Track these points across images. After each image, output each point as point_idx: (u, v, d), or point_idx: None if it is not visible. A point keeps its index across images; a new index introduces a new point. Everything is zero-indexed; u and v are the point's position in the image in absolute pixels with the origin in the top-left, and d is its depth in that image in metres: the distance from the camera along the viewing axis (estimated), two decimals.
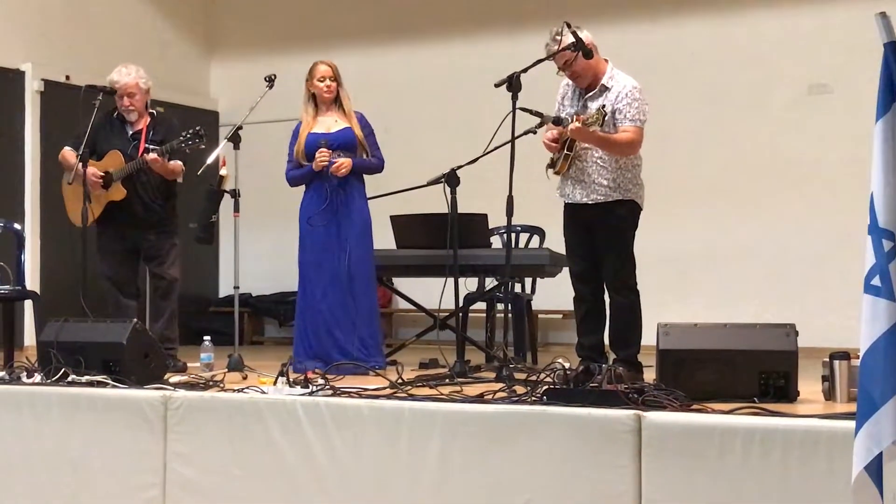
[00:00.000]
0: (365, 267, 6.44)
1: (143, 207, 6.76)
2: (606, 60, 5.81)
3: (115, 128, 6.83)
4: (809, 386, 4.73)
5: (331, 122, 6.46)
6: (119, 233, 6.77)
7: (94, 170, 6.66)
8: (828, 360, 4.65)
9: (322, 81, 6.43)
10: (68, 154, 6.84)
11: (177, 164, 6.72)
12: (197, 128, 6.70)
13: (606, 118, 5.57)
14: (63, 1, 9.51)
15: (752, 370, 4.56)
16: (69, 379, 5.27)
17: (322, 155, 6.30)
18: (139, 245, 6.82)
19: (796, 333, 4.62)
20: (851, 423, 3.51)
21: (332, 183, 6.36)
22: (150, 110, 6.92)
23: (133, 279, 6.91)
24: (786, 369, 4.57)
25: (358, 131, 6.43)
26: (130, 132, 6.82)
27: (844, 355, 4.61)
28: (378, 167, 6.52)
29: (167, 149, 6.57)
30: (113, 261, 6.80)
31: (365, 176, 6.54)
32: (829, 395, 4.63)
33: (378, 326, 6.51)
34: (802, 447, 3.81)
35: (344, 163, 6.32)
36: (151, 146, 6.64)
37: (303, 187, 6.54)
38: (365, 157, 6.45)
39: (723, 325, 4.78)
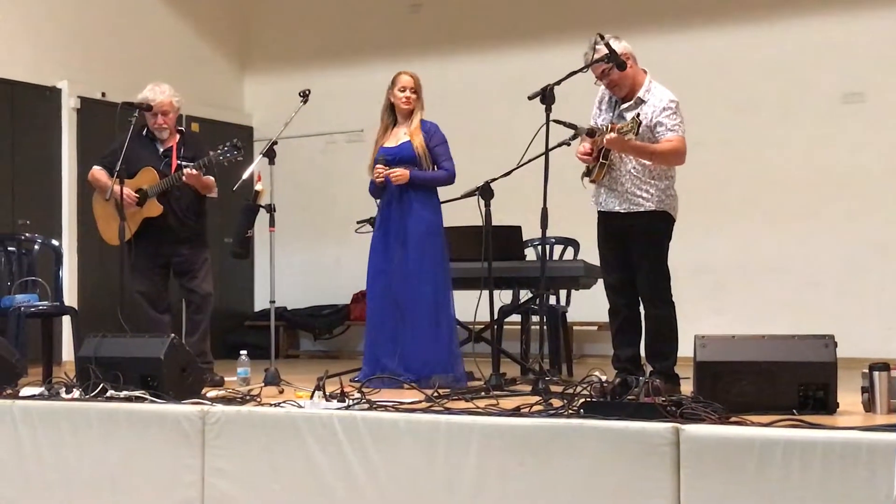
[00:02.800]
0: (422, 278, 6.31)
1: (178, 222, 6.82)
2: (645, 72, 5.80)
3: (146, 145, 6.88)
4: (848, 397, 4.68)
5: (400, 135, 6.42)
6: (152, 249, 6.82)
7: (127, 189, 6.71)
8: (867, 370, 4.61)
9: (403, 91, 6.38)
10: (98, 173, 6.90)
11: (209, 178, 6.77)
12: (234, 140, 6.75)
13: (642, 127, 5.56)
14: (98, 19, 9.60)
15: (790, 382, 4.52)
16: (107, 394, 5.29)
17: (376, 171, 6.29)
18: (171, 260, 6.87)
19: (835, 344, 4.58)
20: (892, 435, 3.49)
21: (392, 194, 6.34)
22: (179, 128, 6.97)
23: (165, 294, 6.95)
24: (825, 381, 4.53)
25: (418, 144, 6.34)
26: (161, 149, 6.87)
27: (884, 366, 4.57)
28: (445, 178, 6.38)
29: (205, 162, 6.62)
30: (145, 277, 6.84)
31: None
32: (869, 406, 4.60)
33: (454, 338, 6.33)
34: (843, 459, 3.78)
35: (397, 171, 6.26)
36: (184, 162, 6.69)
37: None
38: (428, 169, 6.35)
39: (760, 337, 4.74)
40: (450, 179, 6.40)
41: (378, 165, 6.31)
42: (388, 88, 6.46)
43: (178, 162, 6.74)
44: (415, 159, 6.35)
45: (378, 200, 6.49)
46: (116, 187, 6.53)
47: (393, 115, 6.47)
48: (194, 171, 6.60)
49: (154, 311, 6.84)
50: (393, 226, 6.37)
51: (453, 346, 6.35)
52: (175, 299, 7.15)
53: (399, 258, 6.34)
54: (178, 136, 6.91)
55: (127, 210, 6.67)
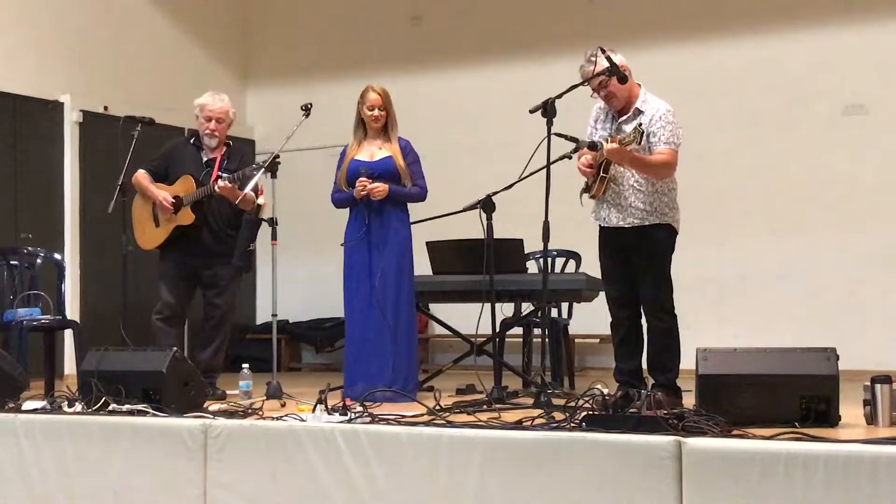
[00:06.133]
0: (400, 293, 6.44)
1: (213, 236, 6.77)
2: (639, 84, 5.82)
3: (190, 153, 6.87)
4: (850, 410, 4.68)
5: (374, 150, 6.49)
6: (182, 259, 6.79)
7: (165, 194, 6.74)
8: (869, 383, 4.60)
9: (371, 110, 6.43)
10: (141, 177, 6.86)
11: (251, 194, 6.63)
12: (270, 157, 6.76)
13: (642, 139, 5.56)
14: (100, 33, 9.63)
15: (792, 394, 4.52)
16: (110, 408, 5.30)
17: (360, 184, 6.34)
18: (201, 273, 6.81)
19: (837, 357, 4.58)
20: (895, 448, 3.48)
21: (370, 208, 6.39)
22: (227, 140, 6.95)
23: (187, 307, 6.92)
24: (827, 393, 4.52)
25: (399, 161, 6.43)
26: (205, 159, 6.86)
27: (886, 379, 4.57)
28: (419, 196, 6.52)
29: (239, 176, 6.59)
30: (173, 287, 6.80)
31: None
32: (871, 419, 4.59)
33: (413, 353, 6.49)
34: (845, 472, 3.77)
35: (379, 186, 6.34)
36: (224, 174, 6.67)
37: (344, 211, 6.58)
38: (407, 185, 6.45)
39: (762, 350, 4.74)
40: (423, 197, 6.53)
41: (361, 179, 6.33)
42: (358, 103, 6.50)
43: (219, 173, 6.72)
44: (395, 175, 6.42)
45: (349, 210, 6.52)
46: (156, 191, 6.64)
47: (363, 128, 6.51)
48: (228, 184, 6.57)
49: (169, 324, 6.76)
50: (374, 238, 6.42)
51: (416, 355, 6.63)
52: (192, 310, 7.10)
53: (382, 271, 6.39)
54: (224, 148, 6.89)
55: (162, 215, 6.72)
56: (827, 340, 4.93)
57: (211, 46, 10.67)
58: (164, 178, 6.86)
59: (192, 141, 6.92)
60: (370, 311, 6.40)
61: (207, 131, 6.80)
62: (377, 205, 6.40)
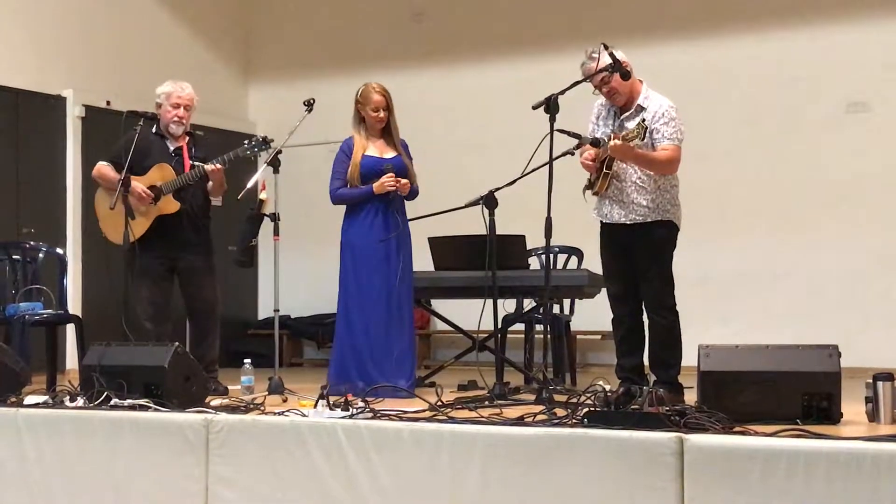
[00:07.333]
0: (410, 290, 6.53)
1: (191, 224, 6.74)
2: (641, 81, 5.82)
3: (156, 144, 6.80)
4: (852, 407, 4.69)
5: (382, 147, 6.53)
6: (160, 252, 6.71)
7: (142, 186, 6.66)
8: (871, 380, 4.61)
9: (376, 112, 6.45)
10: (105, 168, 6.77)
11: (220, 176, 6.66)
12: (262, 136, 6.72)
13: (645, 134, 5.56)
14: (103, 27, 9.63)
15: (794, 392, 4.53)
16: (111, 403, 5.30)
17: (391, 180, 6.36)
18: (177, 265, 6.77)
19: (839, 354, 4.58)
20: None
21: (392, 206, 6.44)
22: (189, 130, 6.93)
23: (170, 301, 6.86)
24: (829, 391, 4.53)
25: (406, 160, 6.52)
26: (172, 148, 6.81)
27: (888, 376, 4.58)
28: (416, 195, 6.62)
29: (230, 157, 6.56)
30: (153, 282, 6.73)
31: None
32: (873, 416, 4.60)
33: (413, 349, 6.53)
34: (847, 469, 3.77)
35: (407, 182, 6.44)
36: (197, 162, 6.62)
37: (342, 207, 6.58)
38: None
39: (764, 347, 4.74)
40: (416, 196, 6.63)
41: (391, 175, 6.37)
42: (358, 102, 6.51)
43: (192, 161, 6.67)
44: (406, 174, 6.49)
45: (361, 206, 6.51)
46: (135, 184, 6.51)
47: (365, 126, 6.53)
48: (219, 166, 6.55)
49: (154, 324, 6.69)
50: (397, 234, 6.43)
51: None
52: (179, 306, 7.08)
53: (400, 268, 6.43)
54: (187, 137, 6.86)
55: (140, 206, 6.63)
56: (829, 337, 4.93)
57: (213, 41, 10.67)
58: (129, 170, 6.73)
59: (153, 131, 6.82)
60: (382, 307, 6.42)
61: (175, 119, 6.75)
62: (397, 202, 6.46)
